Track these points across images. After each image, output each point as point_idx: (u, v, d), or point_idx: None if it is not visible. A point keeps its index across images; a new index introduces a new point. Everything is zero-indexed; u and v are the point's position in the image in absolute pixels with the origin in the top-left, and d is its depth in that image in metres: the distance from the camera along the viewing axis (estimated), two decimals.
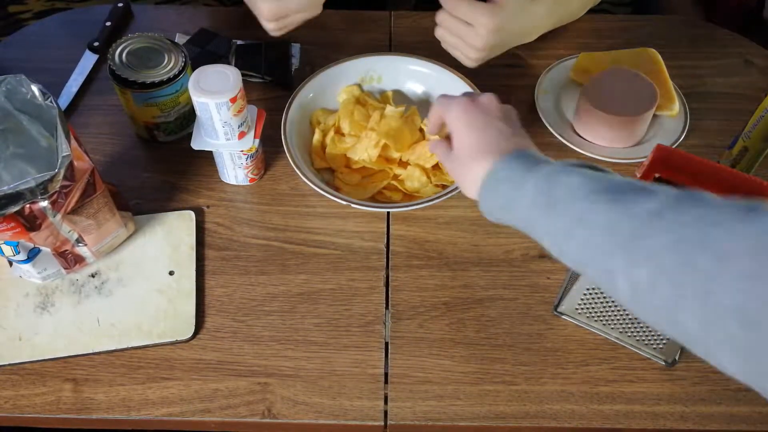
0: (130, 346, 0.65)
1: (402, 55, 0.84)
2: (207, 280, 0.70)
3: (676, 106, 0.82)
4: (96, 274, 0.70)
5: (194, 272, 0.70)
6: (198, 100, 0.67)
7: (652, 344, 0.64)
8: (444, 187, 0.75)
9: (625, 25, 0.97)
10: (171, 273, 0.70)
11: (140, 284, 0.69)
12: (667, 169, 0.53)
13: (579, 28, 0.92)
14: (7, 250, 0.63)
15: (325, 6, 0.80)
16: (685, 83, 0.88)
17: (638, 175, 0.55)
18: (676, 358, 0.65)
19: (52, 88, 0.85)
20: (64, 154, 0.58)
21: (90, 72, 0.88)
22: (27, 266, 0.65)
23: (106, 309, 0.67)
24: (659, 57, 0.86)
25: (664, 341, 0.63)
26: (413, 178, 0.75)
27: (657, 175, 0.55)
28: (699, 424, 0.62)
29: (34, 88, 0.61)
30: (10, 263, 0.68)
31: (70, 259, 0.67)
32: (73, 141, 0.60)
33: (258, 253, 0.72)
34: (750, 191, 0.51)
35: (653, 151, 0.54)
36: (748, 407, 0.62)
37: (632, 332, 0.64)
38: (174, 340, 0.65)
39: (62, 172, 0.58)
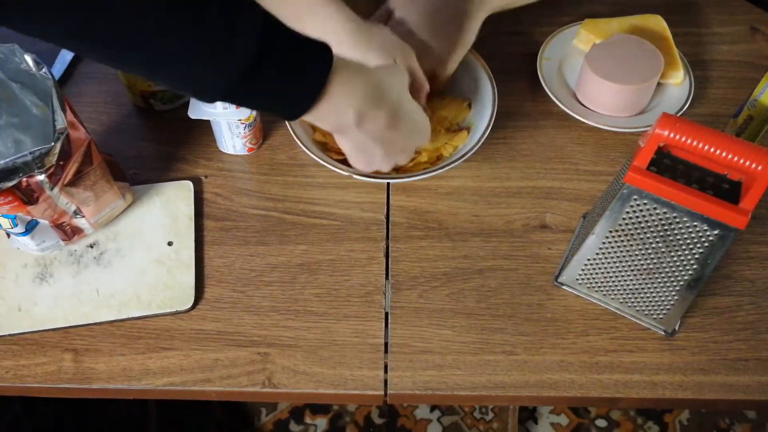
0: (129, 316, 0.65)
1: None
2: (206, 250, 0.70)
3: (681, 74, 0.81)
4: (94, 244, 0.69)
5: (193, 243, 0.69)
6: None
7: (652, 314, 0.64)
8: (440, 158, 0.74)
9: None
10: (170, 243, 0.69)
11: (139, 255, 0.69)
12: (672, 139, 0.52)
13: None
14: (5, 223, 0.62)
15: None
16: (691, 51, 0.87)
17: (642, 145, 0.54)
18: (676, 328, 0.65)
19: (46, 56, 0.83)
20: (60, 126, 0.57)
21: None
22: (25, 239, 0.65)
23: (105, 280, 0.67)
24: (664, 24, 0.85)
25: (664, 311, 0.63)
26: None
27: (661, 144, 0.54)
28: (697, 393, 0.62)
29: (28, 58, 0.60)
30: (8, 235, 0.67)
31: (68, 231, 0.67)
32: (68, 113, 0.59)
33: (257, 224, 0.72)
34: (755, 160, 0.50)
35: (658, 119, 0.53)
36: (746, 377, 0.63)
37: (632, 302, 0.64)
38: (174, 311, 0.65)
39: (58, 145, 0.57)
